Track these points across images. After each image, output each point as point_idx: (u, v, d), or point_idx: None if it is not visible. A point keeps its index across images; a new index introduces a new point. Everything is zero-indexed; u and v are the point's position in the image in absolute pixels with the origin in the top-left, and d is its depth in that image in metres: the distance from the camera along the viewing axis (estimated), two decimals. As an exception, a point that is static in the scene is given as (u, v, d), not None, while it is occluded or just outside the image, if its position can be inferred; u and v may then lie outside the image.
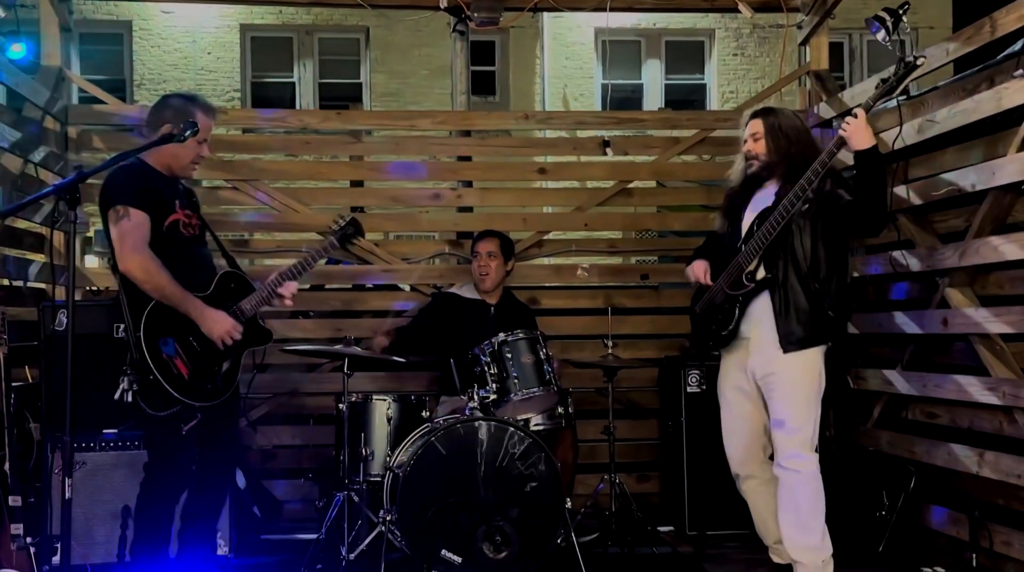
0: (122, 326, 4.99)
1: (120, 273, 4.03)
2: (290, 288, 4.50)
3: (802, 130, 4.48)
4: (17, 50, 5.95)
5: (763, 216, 4.29)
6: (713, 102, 14.70)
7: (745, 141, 4.50)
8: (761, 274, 4.31)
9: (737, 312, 4.38)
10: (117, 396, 3.97)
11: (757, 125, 4.45)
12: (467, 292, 5.88)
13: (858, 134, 4.09)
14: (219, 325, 4.14)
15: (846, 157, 5.89)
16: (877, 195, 4.20)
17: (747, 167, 4.48)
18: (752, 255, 4.29)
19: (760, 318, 4.32)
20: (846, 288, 4.42)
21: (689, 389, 5.90)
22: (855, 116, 4.09)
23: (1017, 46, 4.51)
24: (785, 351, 4.21)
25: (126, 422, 4.97)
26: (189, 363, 4.06)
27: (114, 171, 4.12)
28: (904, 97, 5.33)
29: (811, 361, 4.26)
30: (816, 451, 4.25)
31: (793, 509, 4.19)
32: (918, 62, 4.04)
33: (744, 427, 4.47)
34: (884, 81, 4.11)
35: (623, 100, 14.41)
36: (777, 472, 4.25)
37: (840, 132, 4.12)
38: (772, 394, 4.29)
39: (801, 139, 4.42)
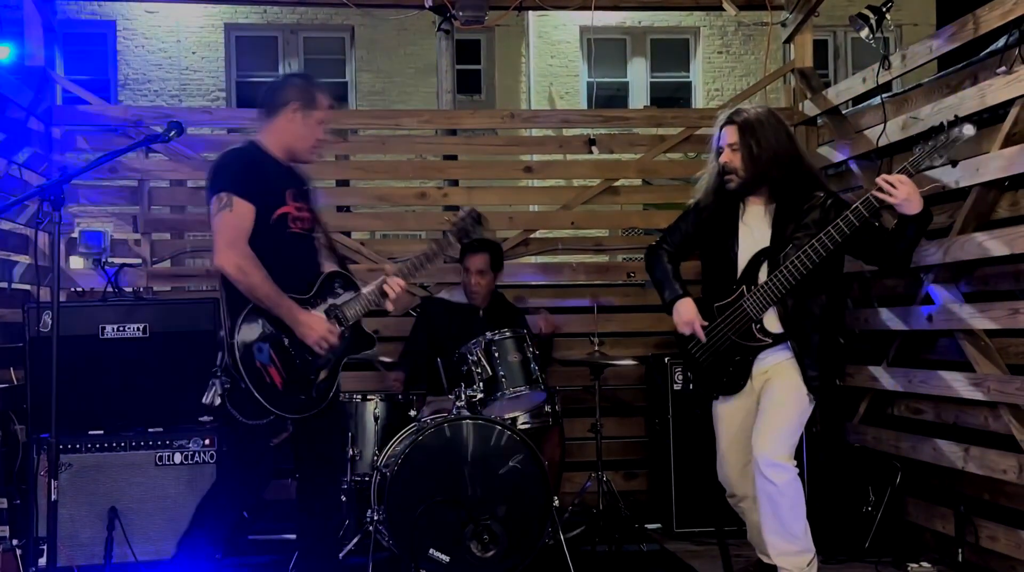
0: (110, 327, 5.05)
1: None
2: (396, 286, 4.08)
3: (784, 138, 4.12)
4: (1, 52, 5.92)
5: (761, 257, 4.11)
6: (698, 100, 14.72)
7: (720, 150, 4.16)
8: (774, 327, 4.11)
9: (750, 363, 4.20)
10: (207, 400, 3.75)
11: (733, 134, 4.10)
12: (455, 296, 5.84)
13: (911, 202, 3.78)
14: (314, 330, 3.84)
15: (830, 154, 5.93)
16: (914, 247, 4.01)
17: (725, 182, 4.15)
18: (763, 308, 4.09)
19: (772, 359, 4.17)
20: (844, 307, 4.31)
21: (676, 386, 5.90)
22: (901, 182, 3.76)
23: (1000, 43, 4.53)
24: (815, 399, 4.10)
25: (114, 423, 4.95)
26: (284, 372, 3.80)
27: (227, 153, 3.92)
28: (888, 94, 5.37)
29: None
30: (796, 456, 4.15)
31: (774, 517, 4.09)
32: (965, 131, 3.71)
33: (740, 450, 4.32)
34: (926, 140, 3.81)
35: (609, 98, 14.43)
36: (756, 479, 4.11)
37: (882, 197, 3.79)
38: (765, 396, 4.17)
39: (783, 149, 4.09)
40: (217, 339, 3.86)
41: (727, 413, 4.37)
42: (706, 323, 4.26)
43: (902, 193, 3.77)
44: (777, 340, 4.11)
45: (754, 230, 4.18)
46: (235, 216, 3.75)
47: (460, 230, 4.39)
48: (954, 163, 3.99)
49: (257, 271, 3.73)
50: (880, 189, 3.81)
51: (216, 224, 3.76)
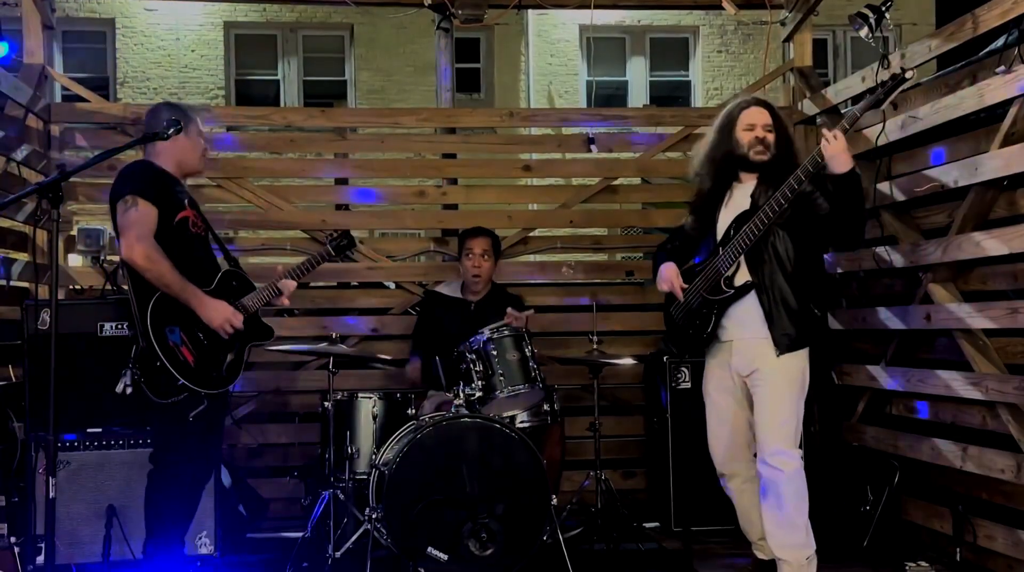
0: (109, 325, 5.04)
1: (125, 262, 4.13)
2: (289, 286, 4.61)
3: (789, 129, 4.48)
4: (-1, 49, 5.91)
5: (740, 220, 4.28)
6: (698, 99, 14.72)
7: (753, 126, 4.34)
8: (741, 279, 4.29)
9: (714, 317, 4.36)
10: (119, 390, 4.09)
11: (767, 116, 4.37)
12: (450, 290, 5.86)
13: (838, 158, 4.07)
14: (218, 313, 4.22)
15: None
16: (855, 215, 4.20)
17: (756, 152, 4.33)
18: (731, 261, 4.27)
19: (743, 320, 4.30)
20: (826, 283, 4.44)
21: (674, 385, 5.90)
22: (835, 137, 4.05)
23: (999, 42, 4.53)
24: (780, 353, 4.19)
25: (112, 421, 4.95)
26: (195, 351, 4.16)
27: (125, 166, 4.28)
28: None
29: (797, 358, 4.25)
30: (800, 447, 4.25)
31: (777, 507, 4.16)
32: (907, 75, 4.00)
33: (729, 426, 4.44)
34: (871, 91, 4.07)
35: (608, 97, 14.42)
36: (761, 469, 4.22)
37: (822, 150, 4.07)
38: (757, 391, 4.27)
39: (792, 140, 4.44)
40: (120, 336, 4.30)
41: (714, 393, 4.49)
42: (686, 286, 4.47)
43: (834, 147, 4.05)
44: (741, 292, 4.27)
45: (738, 201, 4.39)
46: (141, 214, 4.10)
47: (336, 247, 4.92)
48: (895, 105, 4.37)
49: (164, 260, 4.09)
50: (823, 142, 4.08)
51: (124, 222, 4.10)
